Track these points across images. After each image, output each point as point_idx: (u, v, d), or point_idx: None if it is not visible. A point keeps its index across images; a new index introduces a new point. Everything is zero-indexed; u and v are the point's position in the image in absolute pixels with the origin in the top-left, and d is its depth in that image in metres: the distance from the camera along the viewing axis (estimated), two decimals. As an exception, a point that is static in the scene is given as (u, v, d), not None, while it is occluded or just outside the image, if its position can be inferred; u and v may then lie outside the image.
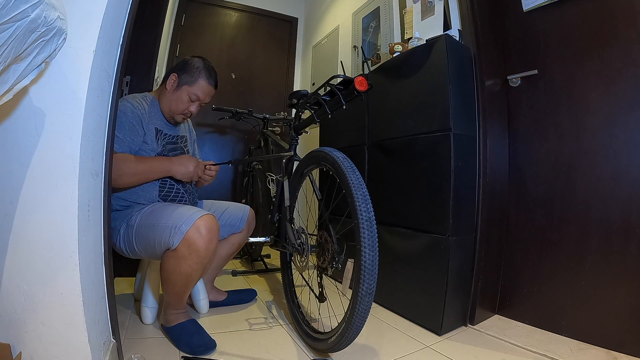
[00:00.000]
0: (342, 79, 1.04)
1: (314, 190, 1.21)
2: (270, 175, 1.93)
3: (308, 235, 1.15)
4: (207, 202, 1.37)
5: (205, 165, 1.21)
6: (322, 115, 1.13)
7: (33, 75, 0.55)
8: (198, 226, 0.98)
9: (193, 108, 1.21)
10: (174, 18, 2.68)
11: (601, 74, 1.16)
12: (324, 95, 1.13)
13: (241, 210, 1.38)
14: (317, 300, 1.11)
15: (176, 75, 1.19)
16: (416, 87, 1.39)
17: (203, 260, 1.01)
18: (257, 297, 1.56)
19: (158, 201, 1.15)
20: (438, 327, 1.22)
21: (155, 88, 1.80)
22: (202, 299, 1.35)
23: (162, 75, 2.55)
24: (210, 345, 1.04)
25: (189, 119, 1.34)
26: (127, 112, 1.08)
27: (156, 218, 1.03)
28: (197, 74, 1.19)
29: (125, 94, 1.57)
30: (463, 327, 1.30)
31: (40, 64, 0.55)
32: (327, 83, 1.06)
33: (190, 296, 1.30)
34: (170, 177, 1.17)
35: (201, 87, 1.20)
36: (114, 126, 0.85)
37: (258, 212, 1.92)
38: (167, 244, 0.99)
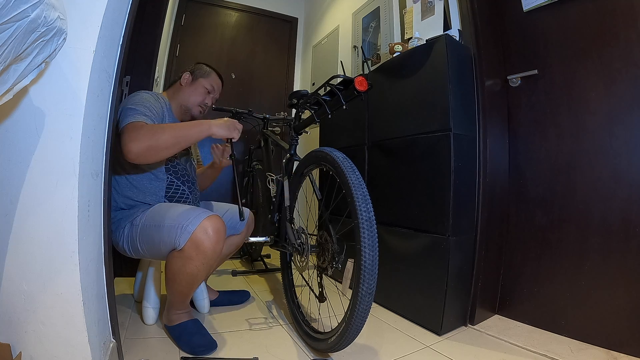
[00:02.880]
0: (342, 79, 1.04)
1: (314, 190, 1.21)
2: (270, 175, 1.93)
3: (308, 235, 1.15)
4: (207, 204, 1.37)
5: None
6: (322, 115, 1.13)
7: (33, 75, 0.55)
8: (205, 227, 0.97)
9: (208, 100, 1.31)
10: (174, 18, 2.68)
11: (601, 74, 1.16)
12: (324, 95, 1.13)
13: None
14: (317, 300, 1.11)
15: (189, 73, 1.30)
16: (416, 87, 1.39)
17: (209, 261, 1.00)
18: (251, 298, 1.56)
19: (164, 201, 1.15)
20: (438, 327, 1.22)
21: (155, 89, 1.80)
22: (203, 299, 1.35)
23: (162, 75, 2.56)
24: (211, 346, 1.04)
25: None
26: (151, 100, 1.11)
27: (161, 218, 1.02)
28: (209, 70, 1.33)
29: (126, 94, 1.57)
30: (463, 327, 1.30)
31: (40, 64, 0.55)
32: (327, 83, 1.06)
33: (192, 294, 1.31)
34: (176, 177, 1.20)
35: (215, 80, 1.33)
36: (114, 126, 0.85)
37: (258, 212, 1.92)
38: (173, 244, 0.98)
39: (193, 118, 1.30)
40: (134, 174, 1.13)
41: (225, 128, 1.10)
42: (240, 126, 1.15)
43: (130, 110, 1.02)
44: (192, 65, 1.34)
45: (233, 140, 1.19)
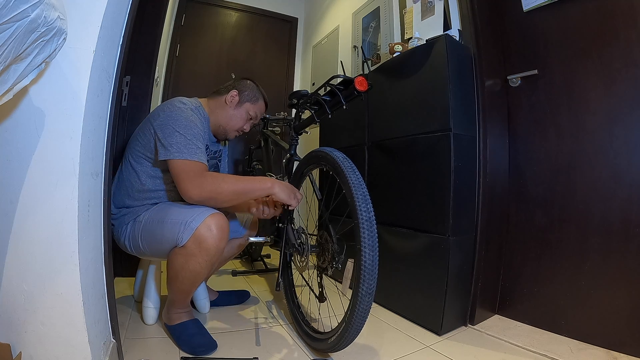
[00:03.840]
0: (342, 79, 1.04)
1: (314, 190, 1.21)
2: (270, 176, 1.93)
3: (308, 235, 1.15)
4: None
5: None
6: (322, 115, 1.13)
7: (33, 75, 0.55)
8: (209, 224, 0.96)
9: (247, 126, 1.27)
10: (174, 18, 2.68)
11: (601, 74, 1.16)
12: (324, 95, 1.12)
13: (244, 216, 1.38)
14: (317, 300, 1.11)
15: (237, 91, 1.22)
16: (416, 87, 1.39)
17: (212, 258, 0.99)
18: (251, 297, 1.55)
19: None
20: (438, 327, 1.22)
21: (155, 89, 1.79)
22: (203, 299, 1.35)
23: (162, 75, 2.56)
24: (211, 346, 1.04)
25: None
26: (197, 123, 1.06)
27: (165, 214, 1.02)
28: (259, 94, 1.27)
29: (126, 94, 1.57)
30: (463, 327, 1.30)
31: (40, 64, 0.55)
32: (327, 83, 1.06)
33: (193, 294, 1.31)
34: None
35: (261, 107, 1.28)
36: (114, 126, 0.85)
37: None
38: (175, 241, 0.97)
39: (226, 138, 1.28)
40: (151, 180, 1.12)
41: (287, 194, 1.05)
42: (300, 196, 1.11)
43: (182, 139, 0.99)
44: (240, 82, 1.26)
45: (290, 208, 1.13)
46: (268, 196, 1.11)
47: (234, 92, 1.21)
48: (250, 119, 1.26)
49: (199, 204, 0.99)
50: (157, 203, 1.11)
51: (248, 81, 1.27)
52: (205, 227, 0.96)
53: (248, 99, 1.23)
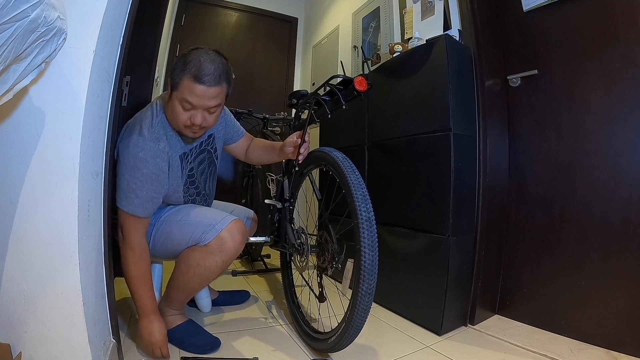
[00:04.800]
0: (341, 78, 1.04)
1: (313, 190, 1.21)
2: (270, 175, 1.93)
3: (308, 235, 1.15)
4: (214, 202, 1.37)
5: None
6: (322, 115, 1.13)
7: (33, 75, 0.55)
8: (232, 229, 1.01)
9: (197, 119, 0.93)
10: (174, 18, 2.68)
11: (601, 74, 1.16)
12: (323, 95, 1.12)
13: (245, 214, 1.38)
14: (317, 300, 1.11)
15: (169, 78, 0.93)
16: (416, 87, 1.39)
17: (228, 260, 1.03)
18: (251, 297, 1.55)
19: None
20: (438, 327, 1.22)
21: (155, 89, 1.79)
22: (205, 298, 1.35)
23: (162, 75, 2.55)
24: (216, 343, 1.05)
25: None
26: (147, 159, 0.92)
27: (185, 215, 1.05)
28: (181, 72, 0.89)
29: (126, 94, 1.57)
30: (463, 327, 1.30)
31: (40, 64, 0.55)
32: (326, 83, 1.06)
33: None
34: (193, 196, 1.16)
35: (188, 89, 0.89)
36: (114, 126, 0.85)
37: (258, 212, 1.92)
38: (197, 240, 1.00)
39: (194, 139, 1.07)
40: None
41: (147, 347, 0.96)
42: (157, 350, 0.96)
43: (125, 185, 0.92)
44: (180, 57, 0.94)
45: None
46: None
47: (167, 81, 0.94)
48: (188, 110, 0.92)
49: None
50: (166, 206, 1.11)
51: (190, 53, 0.93)
52: (229, 231, 1.00)
53: (173, 87, 0.92)
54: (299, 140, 1.12)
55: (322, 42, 2.80)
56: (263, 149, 1.30)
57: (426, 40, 1.42)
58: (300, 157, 1.14)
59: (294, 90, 2.86)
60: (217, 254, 1.00)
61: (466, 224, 1.28)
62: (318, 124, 2.09)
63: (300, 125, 1.29)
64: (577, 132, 1.23)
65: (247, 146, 1.35)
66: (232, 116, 1.30)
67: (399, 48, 1.60)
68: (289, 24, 3.21)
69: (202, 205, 1.20)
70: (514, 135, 1.43)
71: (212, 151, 1.20)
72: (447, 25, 1.55)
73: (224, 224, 1.01)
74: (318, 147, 1.28)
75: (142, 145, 0.92)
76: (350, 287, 0.95)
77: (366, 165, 1.66)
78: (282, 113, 2.37)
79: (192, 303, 1.37)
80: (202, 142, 1.15)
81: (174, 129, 1.02)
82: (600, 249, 1.14)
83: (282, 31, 3.18)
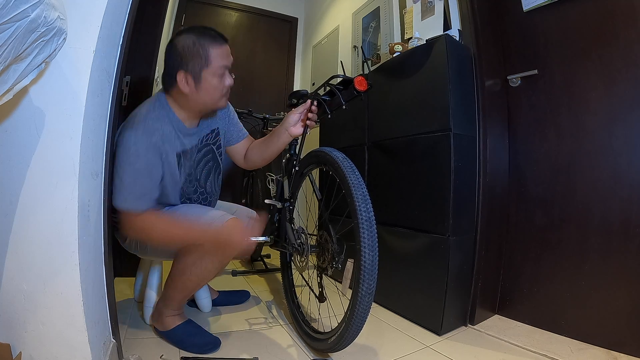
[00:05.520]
0: (341, 78, 1.04)
1: (313, 190, 1.21)
2: (270, 175, 1.93)
3: (308, 235, 1.15)
4: (218, 203, 1.35)
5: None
6: (322, 115, 1.13)
7: (33, 75, 0.55)
8: (230, 227, 0.99)
9: (228, 81, 1.02)
10: (174, 18, 2.67)
11: (601, 74, 1.16)
12: (323, 95, 1.12)
13: (247, 215, 1.37)
14: (317, 300, 1.11)
15: (182, 71, 0.95)
16: (416, 87, 1.39)
17: (227, 259, 1.02)
18: (251, 297, 1.55)
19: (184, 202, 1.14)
20: (438, 327, 1.22)
21: (155, 88, 1.78)
22: (205, 298, 1.36)
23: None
24: (216, 343, 1.05)
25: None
26: (139, 152, 0.92)
27: (183, 215, 1.03)
28: (203, 49, 0.95)
29: (126, 94, 1.57)
30: (463, 327, 1.30)
31: (40, 64, 0.55)
32: (326, 83, 1.06)
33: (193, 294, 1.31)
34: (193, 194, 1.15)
35: (220, 54, 0.97)
36: (114, 126, 0.85)
37: (258, 212, 1.91)
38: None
39: (220, 107, 1.08)
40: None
41: (241, 229, 0.98)
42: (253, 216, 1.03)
43: (118, 182, 0.90)
44: (171, 54, 0.97)
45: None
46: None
47: (180, 76, 0.95)
48: (223, 72, 0.99)
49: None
50: (166, 205, 1.11)
51: (179, 44, 0.96)
52: (227, 230, 0.98)
53: (200, 67, 0.95)
54: (302, 114, 1.11)
55: (322, 42, 2.80)
56: (263, 142, 1.26)
57: (426, 40, 1.42)
58: (310, 123, 1.12)
59: (294, 90, 2.86)
60: (215, 253, 0.99)
61: (466, 224, 1.28)
62: (318, 124, 2.09)
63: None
64: (577, 132, 1.23)
65: (247, 149, 1.33)
66: (236, 115, 1.29)
67: (399, 48, 1.60)
68: (289, 24, 3.21)
69: (204, 205, 1.19)
70: (514, 135, 1.43)
71: (216, 148, 1.19)
72: (447, 25, 1.55)
73: (222, 222, 0.99)
74: (318, 147, 1.28)
75: (134, 139, 0.92)
76: (350, 287, 0.95)
77: (366, 165, 1.66)
78: (282, 113, 2.37)
79: (192, 303, 1.38)
80: (205, 137, 1.14)
81: (203, 111, 1.05)
82: (600, 249, 1.14)
83: (282, 31, 3.18)
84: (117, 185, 0.92)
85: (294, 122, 1.14)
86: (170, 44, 0.98)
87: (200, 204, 1.17)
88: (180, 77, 0.95)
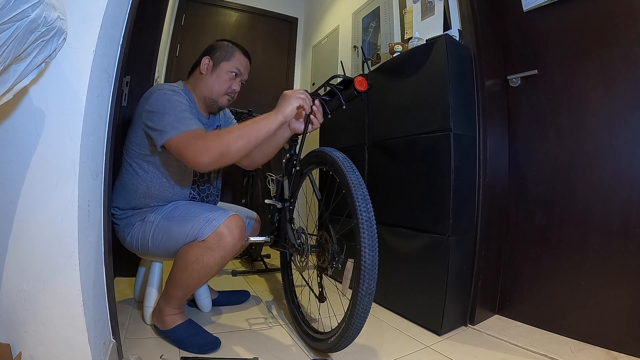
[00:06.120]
0: (342, 78, 1.04)
1: (313, 190, 1.21)
2: (270, 175, 1.93)
3: (308, 235, 1.15)
4: (219, 204, 1.37)
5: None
6: (322, 115, 1.13)
7: (33, 75, 0.55)
8: (229, 224, 1.00)
9: (236, 86, 1.17)
10: (174, 18, 2.68)
11: (601, 74, 1.16)
12: (323, 95, 1.12)
13: (248, 217, 1.38)
14: (317, 300, 1.11)
15: (209, 57, 1.14)
16: (416, 87, 1.39)
17: (226, 256, 1.03)
18: (251, 297, 1.55)
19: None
20: (438, 327, 1.22)
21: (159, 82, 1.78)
22: (205, 298, 1.36)
23: (162, 75, 2.55)
24: (217, 343, 1.05)
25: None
26: (182, 99, 1.02)
27: (184, 212, 1.05)
28: (231, 49, 1.17)
29: (126, 94, 1.57)
30: (463, 327, 1.30)
31: (40, 64, 0.55)
32: (327, 83, 1.05)
33: (193, 294, 1.32)
34: (198, 194, 1.18)
35: (240, 60, 1.17)
36: (114, 126, 0.85)
37: (258, 212, 1.92)
38: (195, 236, 1.00)
39: (221, 109, 1.21)
40: (157, 183, 1.11)
41: (295, 102, 1.00)
42: (302, 93, 1.02)
43: (172, 118, 0.96)
44: (210, 45, 1.19)
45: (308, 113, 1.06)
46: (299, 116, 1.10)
47: (205, 60, 1.14)
48: (235, 75, 1.16)
49: (212, 167, 0.97)
50: (166, 204, 1.11)
51: (217, 42, 1.20)
52: (227, 226, 1.00)
53: (222, 58, 1.15)
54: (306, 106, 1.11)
55: (322, 42, 2.80)
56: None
57: (426, 40, 1.42)
58: (314, 122, 1.12)
59: (294, 90, 2.84)
60: (215, 250, 1.00)
61: (466, 224, 1.28)
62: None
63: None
64: (577, 132, 1.23)
65: None
66: (234, 118, 1.36)
67: (399, 48, 1.60)
68: (289, 24, 3.21)
69: (209, 198, 1.22)
70: (514, 135, 1.43)
71: None
72: (447, 25, 1.55)
73: (221, 219, 1.00)
74: (318, 147, 1.28)
75: (174, 92, 1.03)
76: (350, 287, 0.95)
77: (366, 165, 1.66)
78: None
79: (192, 303, 1.38)
80: (214, 128, 1.21)
81: (201, 104, 1.16)
82: (600, 249, 1.14)
83: (282, 31, 3.18)
84: (167, 119, 0.95)
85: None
86: (213, 44, 1.20)
87: (213, 202, 1.22)
88: (205, 60, 1.15)
